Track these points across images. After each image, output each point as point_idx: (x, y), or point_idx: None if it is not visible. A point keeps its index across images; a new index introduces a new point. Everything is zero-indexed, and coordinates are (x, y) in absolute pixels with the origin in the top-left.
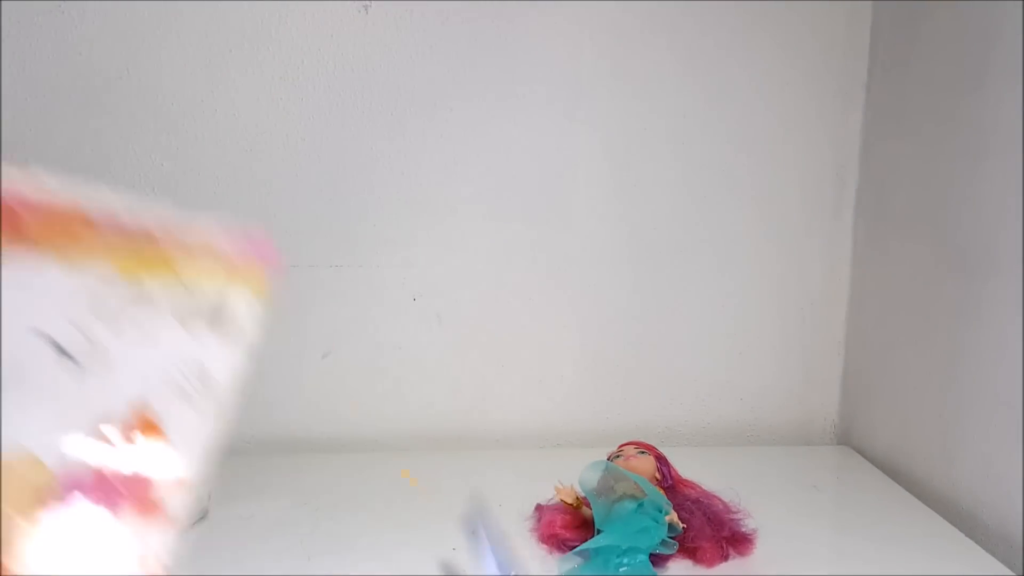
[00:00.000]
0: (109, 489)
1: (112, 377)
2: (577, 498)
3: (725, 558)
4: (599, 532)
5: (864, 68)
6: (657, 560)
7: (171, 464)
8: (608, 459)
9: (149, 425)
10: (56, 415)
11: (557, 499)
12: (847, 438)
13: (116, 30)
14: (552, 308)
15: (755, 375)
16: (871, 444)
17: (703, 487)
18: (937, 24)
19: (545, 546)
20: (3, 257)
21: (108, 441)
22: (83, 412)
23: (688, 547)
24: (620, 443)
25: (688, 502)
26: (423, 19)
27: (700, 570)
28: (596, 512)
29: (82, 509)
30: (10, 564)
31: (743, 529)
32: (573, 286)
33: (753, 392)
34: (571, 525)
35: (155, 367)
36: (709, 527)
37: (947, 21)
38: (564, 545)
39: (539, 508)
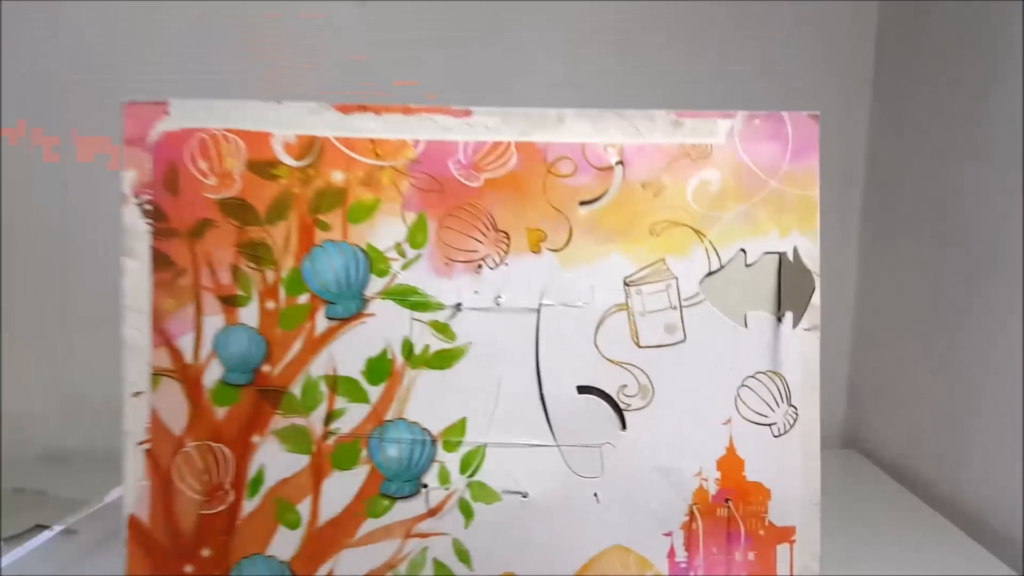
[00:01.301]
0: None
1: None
2: None
3: None
4: None
5: (870, 66)
6: None
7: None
8: None
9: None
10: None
11: None
12: (854, 442)
13: (112, 28)
14: None
15: None
16: (878, 448)
17: None
18: (944, 22)
19: None
20: None
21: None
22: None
23: None
24: None
25: None
26: (419, 14)
27: None
28: None
29: None
30: None
31: None
32: None
33: None
34: None
35: (714, 390)
36: None
37: (954, 19)
38: None
39: None
